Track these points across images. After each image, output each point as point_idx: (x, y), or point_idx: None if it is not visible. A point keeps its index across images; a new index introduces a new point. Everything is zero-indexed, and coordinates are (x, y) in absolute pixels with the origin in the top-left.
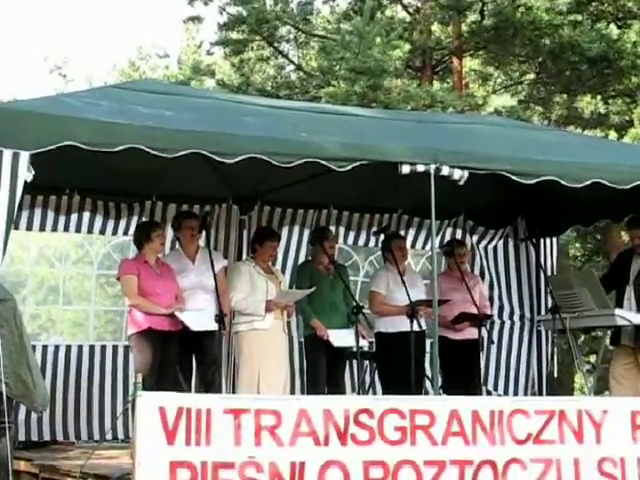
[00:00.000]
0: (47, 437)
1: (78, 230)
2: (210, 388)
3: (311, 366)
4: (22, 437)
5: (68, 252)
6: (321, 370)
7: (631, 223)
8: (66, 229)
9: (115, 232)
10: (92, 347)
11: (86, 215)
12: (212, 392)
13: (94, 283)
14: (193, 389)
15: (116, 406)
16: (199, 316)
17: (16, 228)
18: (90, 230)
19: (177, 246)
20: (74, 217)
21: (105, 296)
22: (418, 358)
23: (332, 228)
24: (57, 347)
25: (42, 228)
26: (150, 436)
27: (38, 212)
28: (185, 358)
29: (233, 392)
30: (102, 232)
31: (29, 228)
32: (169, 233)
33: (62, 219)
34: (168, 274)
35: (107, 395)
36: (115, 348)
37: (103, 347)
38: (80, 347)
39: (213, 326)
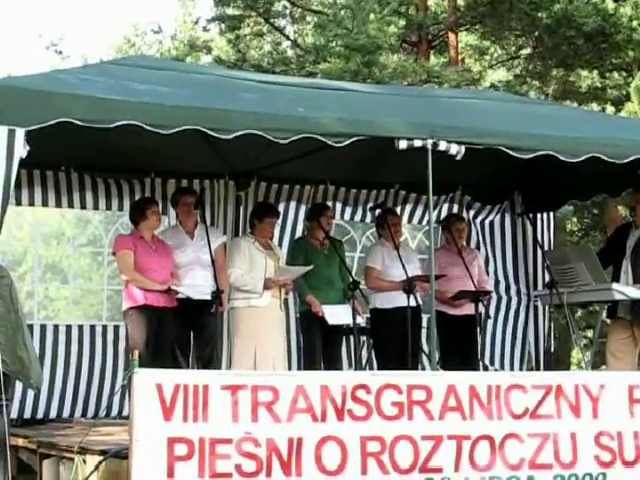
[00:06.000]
0: (41, 415)
1: (83, 207)
2: (208, 365)
3: (306, 342)
4: (14, 414)
5: (64, 230)
6: (316, 346)
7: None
8: (70, 205)
9: (121, 208)
10: (93, 326)
11: (87, 192)
12: (211, 369)
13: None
14: (191, 366)
15: (111, 384)
16: (197, 287)
17: (18, 204)
18: (96, 207)
19: (176, 222)
20: (75, 193)
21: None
22: (414, 334)
23: (329, 204)
24: (56, 326)
25: (45, 204)
26: (147, 413)
27: (38, 188)
28: (182, 335)
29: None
30: (109, 208)
31: (31, 203)
32: (170, 209)
33: (63, 195)
34: (164, 250)
35: (108, 373)
36: (116, 328)
37: (104, 327)
38: (81, 327)
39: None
